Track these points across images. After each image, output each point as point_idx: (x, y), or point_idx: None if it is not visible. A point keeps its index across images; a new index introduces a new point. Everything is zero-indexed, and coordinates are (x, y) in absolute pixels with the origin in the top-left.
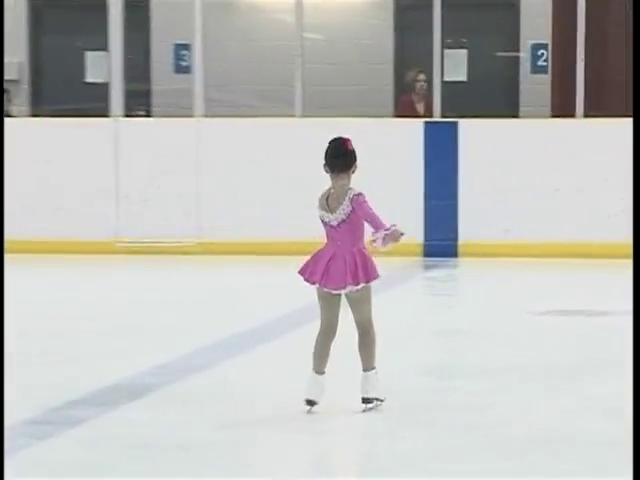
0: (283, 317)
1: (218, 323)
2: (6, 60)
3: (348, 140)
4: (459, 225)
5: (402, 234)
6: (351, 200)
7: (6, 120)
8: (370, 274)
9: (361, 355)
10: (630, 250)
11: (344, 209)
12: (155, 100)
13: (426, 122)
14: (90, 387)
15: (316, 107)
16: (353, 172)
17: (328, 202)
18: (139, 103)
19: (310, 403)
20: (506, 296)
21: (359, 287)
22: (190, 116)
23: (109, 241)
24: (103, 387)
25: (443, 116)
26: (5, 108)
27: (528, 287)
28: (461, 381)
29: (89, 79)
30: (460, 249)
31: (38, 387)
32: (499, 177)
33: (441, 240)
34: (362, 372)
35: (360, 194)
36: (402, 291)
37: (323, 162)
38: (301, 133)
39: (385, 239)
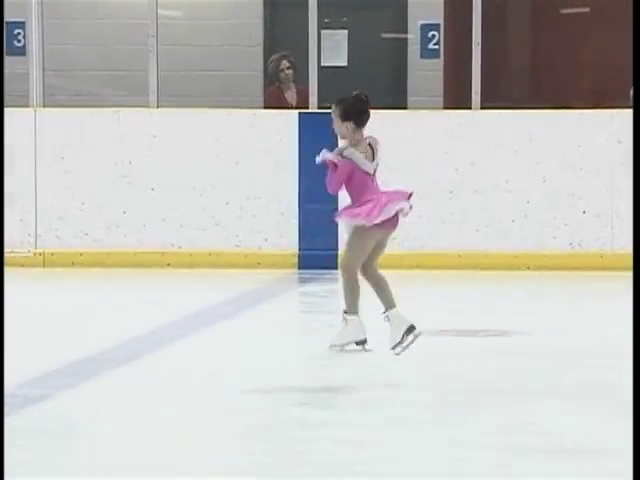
0: (135, 339)
1: (61, 346)
2: None
3: None
4: (339, 232)
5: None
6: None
7: None
8: None
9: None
10: (531, 260)
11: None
12: None
13: (300, 113)
14: None
15: (174, 96)
16: None
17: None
18: None
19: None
20: None
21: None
22: (26, 106)
23: None
24: None
25: (320, 107)
26: None
27: (418, 303)
28: (340, 413)
29: None
30: None
31: None
32: (384, 176)
33: (319, 249)
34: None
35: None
36: (273, 309)
37: (337, 111)
38: (156, 126)
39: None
